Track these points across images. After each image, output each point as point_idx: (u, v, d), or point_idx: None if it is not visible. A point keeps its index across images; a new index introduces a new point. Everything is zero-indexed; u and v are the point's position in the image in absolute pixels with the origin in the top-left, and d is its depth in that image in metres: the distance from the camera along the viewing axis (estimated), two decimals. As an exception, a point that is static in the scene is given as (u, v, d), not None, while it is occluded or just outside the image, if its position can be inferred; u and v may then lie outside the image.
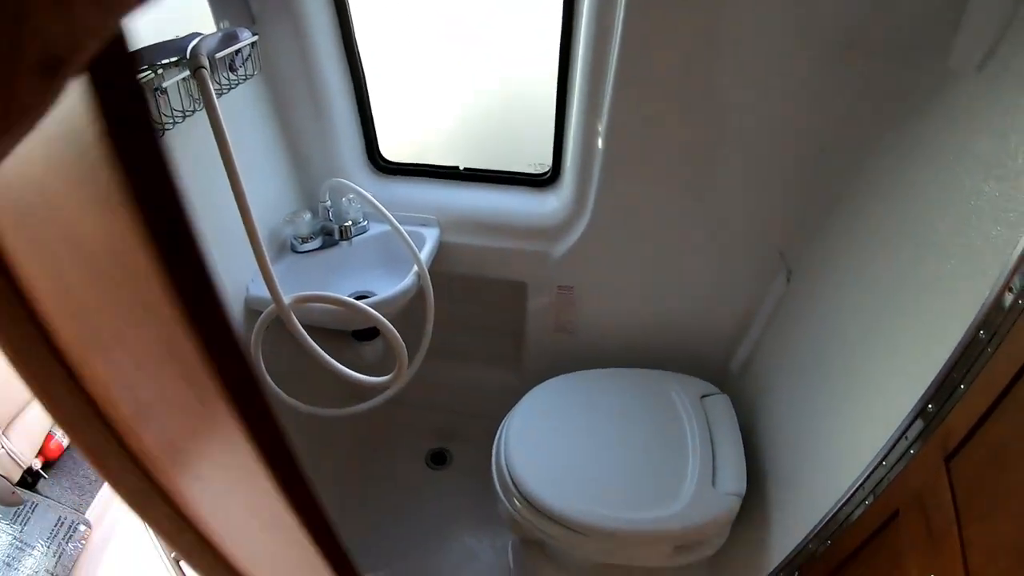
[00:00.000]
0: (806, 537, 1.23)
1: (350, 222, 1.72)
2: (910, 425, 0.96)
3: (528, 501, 1.45)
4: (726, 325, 1.84)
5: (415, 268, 1.56)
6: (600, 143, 1.54)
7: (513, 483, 1.48)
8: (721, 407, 1.65)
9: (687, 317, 1.85)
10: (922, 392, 0.95)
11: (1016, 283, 0.80)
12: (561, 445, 1.57)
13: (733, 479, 1.46)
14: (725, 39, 1.30)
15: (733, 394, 1.72)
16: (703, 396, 1.69)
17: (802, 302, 1.49)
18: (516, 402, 1.71)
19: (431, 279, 1.58)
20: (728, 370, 1.90)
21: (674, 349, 1.92)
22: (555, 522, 1.42)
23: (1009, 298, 0.80)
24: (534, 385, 1.75)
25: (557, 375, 1.77)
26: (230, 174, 1.15)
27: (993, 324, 0.83)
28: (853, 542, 1.07)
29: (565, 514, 1.41)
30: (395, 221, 1.59)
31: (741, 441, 1.56)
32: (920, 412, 0.94)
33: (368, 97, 1.73)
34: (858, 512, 1.08)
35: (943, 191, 1.04)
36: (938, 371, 0.92)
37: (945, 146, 1.06)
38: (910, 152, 1.17)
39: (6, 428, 2.00)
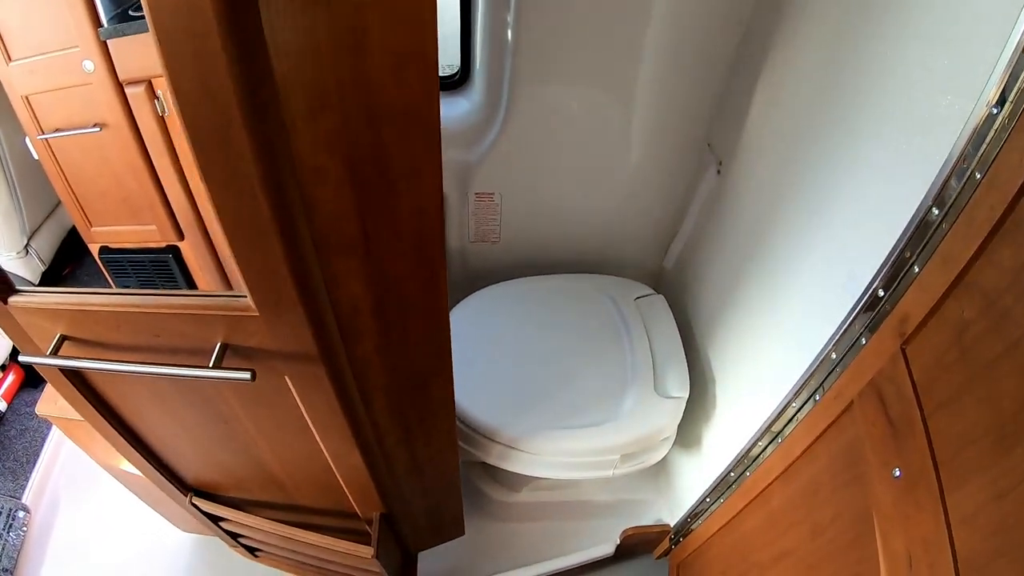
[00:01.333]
0: (754, 436, 1.20)
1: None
2: (859, 312, 0.91)
3: (463, 422, 1.40)
4: (657, 223, 1.78)
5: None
6: (509, 35, 1.42)
7: (446, 404, 1.42)
8: (657, 308, 1.61)
9: (616, 217, 1.78)
10: (871, 276, 0.89)
11: (971, 152, 0.73)
12: (493, 360, 1.51)
13: (676, 382, 1.43)
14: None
15: (669, 293, 1.68)
16: (637, 298, 1.64)
17: (735, 192, 1.42)
18: (443, 318, 1.62)
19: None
20: (662, 269, 1.85)
21: (605, 251, 1.86)
22: (494, 442, 1.38)
23: (965, 170, 0.73)
24: (460, 299, 1.67)
25: (484, 287, 1.70)
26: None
27: (947, 199, 0.76)
28: (805, 439, 1.03)
29: (504, 432, 1.36)
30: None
31: (680, 342, 1.52)
32: (870, 298, 0.89)
33: None
34: (808, 407, 1.04)
35: (882, 63, 0.95)
36: (887, 253, 0.86)
37: (884, 16, 0.95)
38: (842, 25, 1.06)
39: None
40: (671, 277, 1.79)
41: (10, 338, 0.92)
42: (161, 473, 1.23)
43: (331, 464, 1.03)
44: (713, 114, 1.51)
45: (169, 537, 1.85)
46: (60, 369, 0.94)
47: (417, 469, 1.13)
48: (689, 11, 1.33)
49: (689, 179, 1.64)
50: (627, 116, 1.54)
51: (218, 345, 0.77)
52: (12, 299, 0.84)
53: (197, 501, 1.30)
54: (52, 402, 1.28)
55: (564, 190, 1.73)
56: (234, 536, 1.43)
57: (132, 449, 1.15)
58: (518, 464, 1.40)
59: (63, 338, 0.86)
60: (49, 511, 1.97)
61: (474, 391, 1.42)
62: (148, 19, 0.48)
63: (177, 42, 0.49)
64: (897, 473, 0.78)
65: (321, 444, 0.97)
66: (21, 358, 0.86)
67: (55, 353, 0.85)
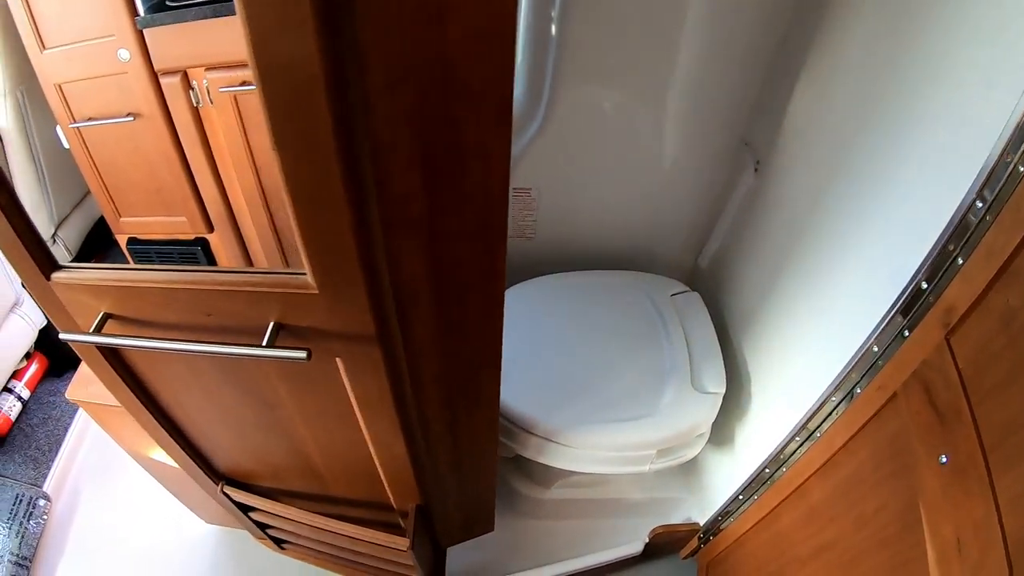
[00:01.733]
0: (791, 432, 1.19)
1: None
2: (902, 304, 0.91)
3: (502, 414, 1.39)
4: (692, 221, 1.77)
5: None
6: (553, 31, 1.42)
7: (483, 396, 1.42)
8: (693, 304, 1.60)
9: (651, 215, 1.78)
10: (913, 271, 0.90)
11: (1015, 146, 0.74)
12: (531, 353, 1.50)
13: (712, 378, 1.43)
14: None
15: (703, 290, 1.68)
16: (673, 294, 1.64)
17: (773, 190, 1.42)
18: (479, 314, 1.62)
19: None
20: (696, 266, 1.85)
21: (639, 248, 1.86)
22: (532, 434, 1.38)
23: (1009, 164, 0.74)
24: (497, 294, 1.66)
25: (519, 283, 1.70)
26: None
27: (991, 192, 0.77)
28: (846, 432, 1.03)
29: (542, 424, 1.36)
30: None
31: (716, 338, 1.52)
32: (913, 291, 0.89)
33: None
34: (848, 401, 1.04)
35: (927, 60, 0.95)
36: (931, 246, 0.86)
37: (931, 18, 0.95)
38: (888, 24, 1.06)
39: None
40: (705, 274, 1.79)
41: (47, 315, 0.91)
42: (194, 461, 1.23)
43: (373, 453, 1.03)
44: (751, 112, 1.50)
45: (192, 528, 1.85)
46: (100, 349, 0.94)
47: (457, 461, 1.13)
48: (728, 12, 1.33)
49: (725, 178, 1.63)
50: (664, 114, 1.54)
51: (272, 324, 0.77)
52: (56, 275, 0.83)
53: (228, 490, 1.30)
54: (83, 387, 1.28)
55: (601, 187, 1.73)
56: (262, 527, 1.43)
57: (167, 435, 1.15)
58: (554, 458, 1.40)
59: (107, 316, 0.85)
60: (70, 500, 1.97)
61: (513, 384, 1.41)
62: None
63: (265, 6, 0.49)
64: (944, 459, 0.78)
65: (365, 431, 0.97)
66: (62, 336, 0.85)
67: (98, 331, 0.84)
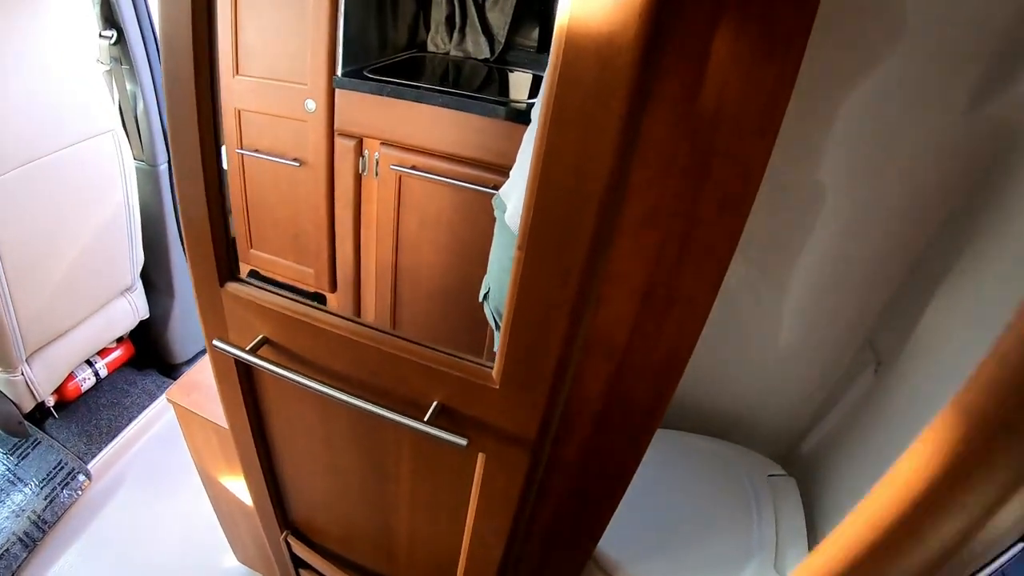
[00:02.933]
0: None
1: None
2: None
3: None
4: (801, 405, 1.76)
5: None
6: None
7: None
8: (787, 489, 1.57)
9: (760, 390, 1.78)
10: None
11: None
12: (629, 501, 1.48)
13: (794, 564, 1.38)
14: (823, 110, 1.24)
15: (798, 474, 1.65)
16: (770, 475, 1.61)
17: (890, 396, 1.40)
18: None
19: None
20: (795, 450, 1.82)
21: (741, 418, 1.85)
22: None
23: None
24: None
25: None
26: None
27: None
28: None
29: (625, 570, 1.33)
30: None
31: (804, 526, 1.48)
32: None
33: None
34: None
35: None
36: None
37: None
38: None
39: (31, 355, 1.89)
40: (803, 460, 1.75)
41: (202, 319, 0.92)
42: (271, 500, 1.22)
43: (465, 551, 1.01)
44: (880, 314, 1.51)
45: (220, 560, 1.81)
46: (237, 367, 0.95)
47: (533, 582, 1.11)
48: (864, 219, 1.37)
49: (842, 372, 1.63)
50: (787, 297, 1.57)
51: (436, 403, 0.78)
52: (230, 285, 0.86)
53: (292, 540, 1.29)
54: (185, 392, 1.30)
55: (708, 355, 1.72)
56: (304, 586, 1.42)
57: (259, 468, 1.15)
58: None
59: (264, 339, 0.87)
60: (109, 487, 1.98)
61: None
62: (548, 86, 0.53)
63: (569, 120, 0.53)
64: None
65: (469, 528, 0.96)
66: (215, 343, 0.86)
67: (254, 351, 0.86)
